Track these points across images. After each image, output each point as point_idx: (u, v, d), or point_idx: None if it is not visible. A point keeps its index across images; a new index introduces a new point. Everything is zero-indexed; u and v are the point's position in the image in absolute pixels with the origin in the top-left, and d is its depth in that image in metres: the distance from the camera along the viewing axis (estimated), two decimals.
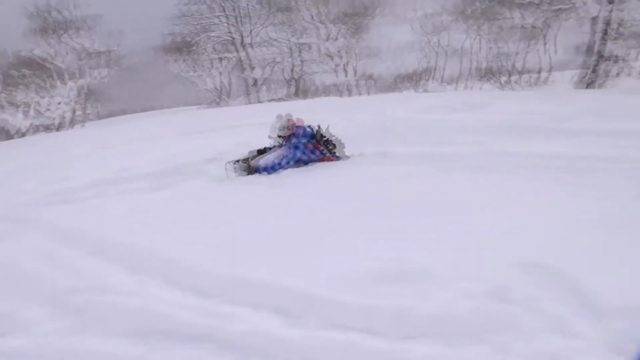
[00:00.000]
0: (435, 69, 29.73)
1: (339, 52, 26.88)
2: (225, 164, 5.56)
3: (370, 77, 29.42)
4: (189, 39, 26.86)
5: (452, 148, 5.37)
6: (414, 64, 30.34)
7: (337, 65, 27.33)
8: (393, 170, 4.60)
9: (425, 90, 24.35)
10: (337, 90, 27.92)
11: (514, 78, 24.10)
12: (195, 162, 6.21)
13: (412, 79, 29.11)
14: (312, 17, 26.24)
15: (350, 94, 27.11)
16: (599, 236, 2.63)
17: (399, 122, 7.53)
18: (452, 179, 4.08)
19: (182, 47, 27.13)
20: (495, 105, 8.65)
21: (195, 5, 26.27)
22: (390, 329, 2.12)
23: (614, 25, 18.14)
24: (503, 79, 23.48)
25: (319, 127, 5.50)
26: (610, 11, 17.80)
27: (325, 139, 5.47)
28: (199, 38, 26.63)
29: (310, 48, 27.17)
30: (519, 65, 25.27)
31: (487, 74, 24.97)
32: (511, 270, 2.39)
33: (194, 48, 26.70)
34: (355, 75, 27.87)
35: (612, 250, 2.47)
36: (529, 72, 25.27)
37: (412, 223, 3.16)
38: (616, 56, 19.28)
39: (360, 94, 26.58)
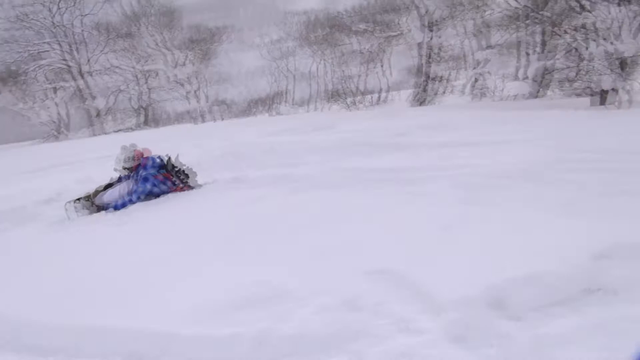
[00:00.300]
0: (286, 92, 30.70)
1: (188, 78, 26.33)
2: (65, 204, 5.01)
3: (224, 102, 29.30)
4: (14, 67, 23.95)
5: (303, 168, 5.54)
6: (266, 88, 31.03)
7: (188, 92, 26.71)
8: (246, 194, 4.57)
9: (278, 113, 24.97)
10: (191, 117, 27.26)
11: (358, 99, 25.93)
12: (29, 205, 5.50)
13: (265, 103, 29.69)
14: (157, 43, 25.38)
15: (204, 120, 26.64)
16: (432, 238, 2.90)
17: (252, 146, 7.57)
18: (303, 197, 4.19)
19: (6, 77, 24.09)
20: (342, 125, 9.18)
21: (19, 31, 23.59)
22: (251, 356, 2.07)
23: (435, 50, 20.65)
24: (349, 100, 25.14)
25: (168, 157, 5.26)
26: (431, 38, 20.23)
27: (176, 169, 5.25)
28: (27, 67, 23.88)
29: (157, 75, 26.16)
30: (361, 87, 27.28)
31: (334, 95, 26.52)
32: (361, 279, 2.50)
33: (22, 77, 23.86)
34: (207, 101, 27.52)
35: (444, 249, 2.73)
36: (371, 92, 27.41)
37: (268, 244, 3.15)
38: (440, 76, 21.91)
39: (214, 120, 26.27)
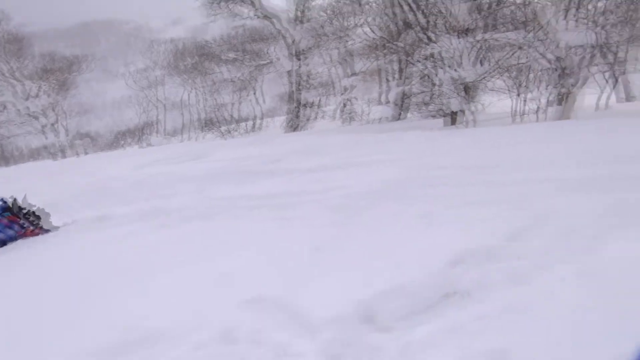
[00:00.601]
0: (157, 122, 29.55)
1: (43, 111, 24.04)
2: None
3: (87, 135, 27.25)
4: None
5: (175, 200, 5.34)
6: (135, 118, 29.60)
7: (44, 126, 24.35)
8: (110, 233, 4.25)
9: (149, 145, 23.86)
10: (49, 153, 24.84)
11: (232, 127, 25.83)
12: None
13: (135, 134, 28.24)
14: (3, 73, 22.88)
15: (65, 155, 24.43)
16: (305, 260, 2.96)
17: (119, 180, 7.11)
18: (174, 231, 4.02)
19: None
20: (216, 154, 9.05)
21: None
22: None
23: (304, 77, 21.46)
24: (223, 128, 24.93)
25: (14, 198, 4.69)
26: (300, 66, 21.00)
27: (24, 210, 4.70)
28: None
29: (5, 108, 23.49)
30: (235, 115, 27.24)
31: (208, 124, 26.13)
32: (236, 310, 2.45)
33: None
34: (68, 135, 25.32)
35: (317, 270, 2.80)
36: (245, 120, 27.49)
37: (135, 285, 2.96)
38: (311, 103, 22.76)
39: (78, 155, 24.22)
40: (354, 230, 3.42)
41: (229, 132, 24.47)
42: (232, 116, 27.02)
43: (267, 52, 23.78)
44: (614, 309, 2.10)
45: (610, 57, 19.96)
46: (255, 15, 21.29)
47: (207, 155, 8.94)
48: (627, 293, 2.22)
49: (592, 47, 12.14)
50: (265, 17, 20.80)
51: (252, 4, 20.28)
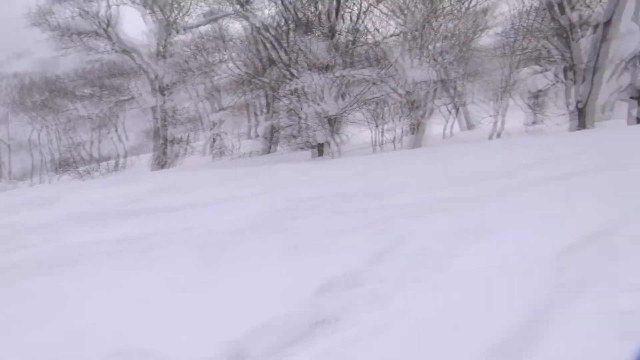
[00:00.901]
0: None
1: None
2: None
3: None
4: None
5: (20, 252, 4.70)
6: None
7: None
8: None
9: None
10: None
11: (92, 166, 23.99)
12: None
13: None
14: None
15: None
16: (171, 303, 2.79)
17: None
18: (18, 288, 3.53)
19: None
20: (73, 196, 8.25)
21: None
22: None
23: (170, 113, 20.81)
24: (81, 168, 22.99)
25: None
26: (164, 102, 20.35)
27: None
28: None
29: None
30: (95, 154, 25.37)
31: (63, 165, 23.92)
32: None
33: None
34: None
35: (183, 313, 2.65)
36: (107, 159, 25.74)
37: None
38: (179, 139, 22.09)
39: None
40: (221, 268, 3.33)
41: (89, 172, 22.61)
42: (91, 155, 25.10)
43: (129, 88, 22.69)
44: (463, 320, 2.31)
45: (452, 91, 22.63)
46: (112, 49, 20.22)
47: (59, 199, 8.10)
48: (472, 304, 2.46)
49: (435, 82, 13.64)
50: (125, 51, 19.85)
51: (109, 37, 19.24)
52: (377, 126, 16.00)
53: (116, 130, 26.09)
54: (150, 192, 7.43)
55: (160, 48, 20.56)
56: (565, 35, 12.84)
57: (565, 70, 14.23)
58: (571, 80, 13.07)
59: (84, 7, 18.66)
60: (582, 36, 12.55)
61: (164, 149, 21.09)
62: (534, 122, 20.87)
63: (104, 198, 7.53)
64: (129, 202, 6.71)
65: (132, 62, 20.48)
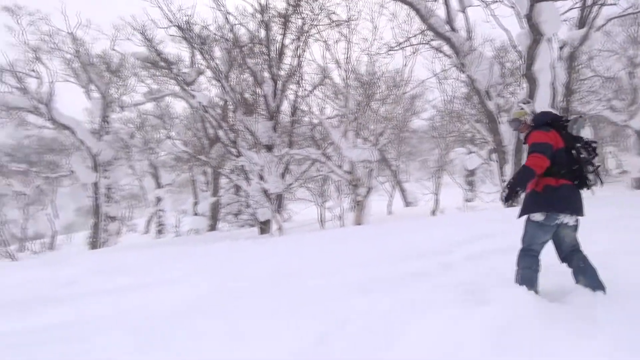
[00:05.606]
0: None
1: None
2: None
3: None
4: None
5: None
6: None
7: None
8: None
9: None
10: None
11: (21, 246, 22.48)
12: None
13: None
14: None
15: None
16: None
17: None
18: None
19: None
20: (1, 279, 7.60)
21: None
22: None
23: (108, 190, 20.19)
24: (9, 248, 21.40)
25: None
26: (103, 178, 19.79)
27: None
28: None
29: None
30: (25, 233, 23.88)
31: None
32: None
33: None
34: None
35: None
36: (38, 238, 24.24)
37: None
38: (118, 216, 21.29)
39: None
40: (157, 354, 3.13)
41: (16, 252, 21.06)
42: (22, 234, 23.59)
43: (65, 164, 21.96)
44: None
45: (391, 170, 23.57)
46: (51, 125, 19.68)
47: None
48: None
49: (372, 162, 14.20)
50: (63, 126, 19.33)
51: (43, 114, 18.68)
52: (321, 204, 16.23)
53: (50, 208, 24.87)
54: (85, 274, 7.00)
55: (101, 124, 20.26)
56: (492, 119, 13.90)
57: (491, 152, 15.31)
58: (498, 161, 14.00)
59: (22, 83, 18.32)
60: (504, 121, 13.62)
61: (102, 227, 20.16)
62: (469, 200, 21.98)
63: (31, 280, 6.99)
64: (59, 285, 6.26)
65: (72, 137, 19.93)
